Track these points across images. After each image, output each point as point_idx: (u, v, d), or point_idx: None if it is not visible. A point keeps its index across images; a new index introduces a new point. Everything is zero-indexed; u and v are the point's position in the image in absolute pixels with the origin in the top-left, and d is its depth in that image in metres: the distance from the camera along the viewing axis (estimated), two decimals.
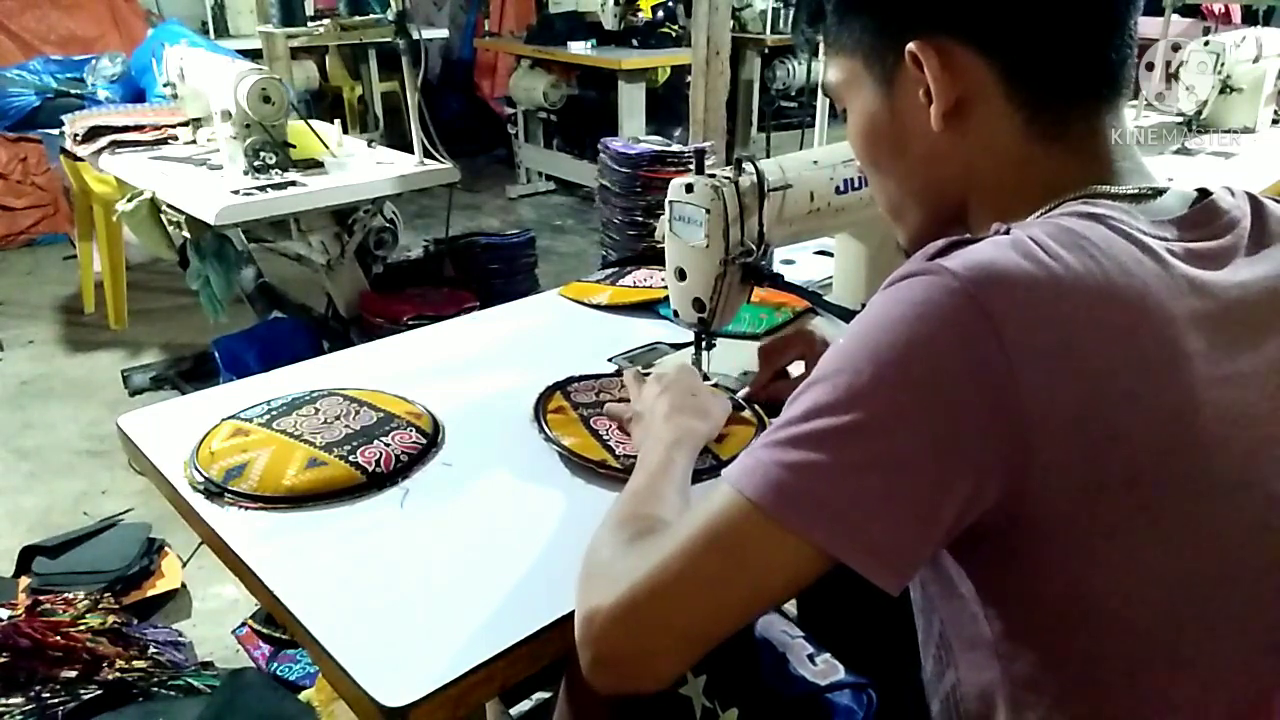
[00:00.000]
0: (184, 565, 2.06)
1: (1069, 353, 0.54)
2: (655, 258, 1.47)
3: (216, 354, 2.48)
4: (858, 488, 0.55)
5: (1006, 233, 0.58)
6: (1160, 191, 0.65)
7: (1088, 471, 0.54)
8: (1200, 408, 0.56)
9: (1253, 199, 0.67)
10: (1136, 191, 0.64)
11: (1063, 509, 0.55)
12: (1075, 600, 0.58)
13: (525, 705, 1.42)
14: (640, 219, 1.86)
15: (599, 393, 1.09)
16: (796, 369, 1.11)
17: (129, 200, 2.22)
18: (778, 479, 0.56)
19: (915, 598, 0.74)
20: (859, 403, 0.55)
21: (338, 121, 2.46)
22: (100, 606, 1.80)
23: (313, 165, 2.20)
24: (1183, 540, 0.57)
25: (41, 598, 1.79)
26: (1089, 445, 0.54)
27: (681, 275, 1.08)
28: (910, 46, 0.66)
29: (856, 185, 1.16)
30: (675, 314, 1.13)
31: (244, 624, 1.87)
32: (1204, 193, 0.66)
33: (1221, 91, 2.33)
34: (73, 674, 1.57)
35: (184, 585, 2.03)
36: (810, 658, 0.81)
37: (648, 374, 1.04)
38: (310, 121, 2.29)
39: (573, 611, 0.75)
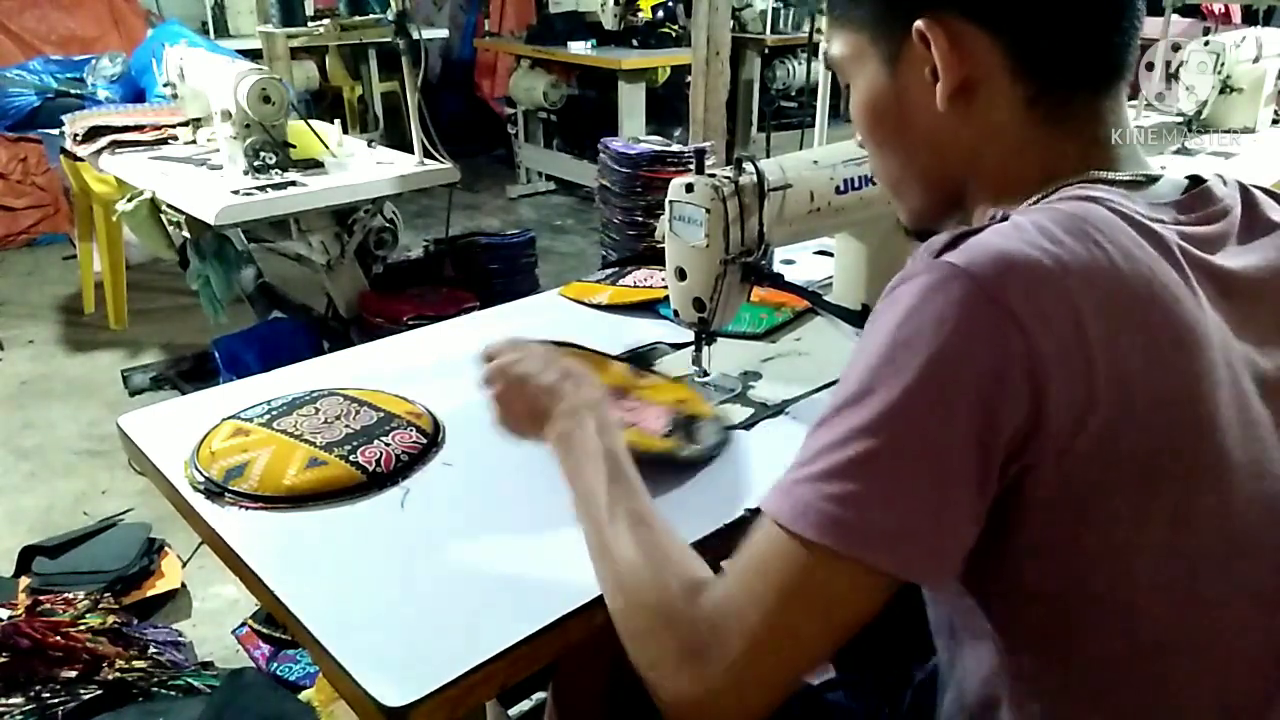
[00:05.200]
0: (184, 565, 2.06)
1: (1081, 337, 0.53)
2: (655, 258, 1.46)
3: (216, 354, 2.48)
4: (915, 507, 0.54)
5: (1004, 219, 0.58)
6: (1154, 179, 0.66)
7: (1099, 457, 0.54)
8: (1210, 389, 0.56)
9: (1243, 188, 0.68)
10: (1132, 178, 0.65)
11: (1072, 495, 0.55)
12: (1080, 590, 0.58)
13: (525, 705, 1.42)
14: (640, 219, 1.85)
15: None
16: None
17: (129, 200, 2.23)
18: (834, 516, 0.55)
19: (925, 589, 0.74)
20: (896, 422, 0.54)
21: (338, 121, 2.46)
22: (100, 606, 1.80)
23: (313, 165, 2.20)
24: (1190, 527, 0.57)
25: (41, 598, 1.79)
26: (1101, 430, 0.54)
27: (681, 275, 1.08)
28: (918, 24, 0.65)
29: (856, 185, 1.16)
30: (675, 314, 1.12)
31: (244, 624, 1.87)
32: (1195, 180, 0.67)
33: (1221, 91, 2.33)
34: (73, 674, 1.57)
35: (184, 585, 2.03)
36: None
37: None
38: (310, 121, 2.28)
39: (573, 611, 0.75)
